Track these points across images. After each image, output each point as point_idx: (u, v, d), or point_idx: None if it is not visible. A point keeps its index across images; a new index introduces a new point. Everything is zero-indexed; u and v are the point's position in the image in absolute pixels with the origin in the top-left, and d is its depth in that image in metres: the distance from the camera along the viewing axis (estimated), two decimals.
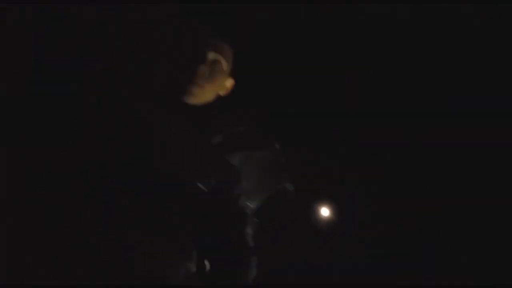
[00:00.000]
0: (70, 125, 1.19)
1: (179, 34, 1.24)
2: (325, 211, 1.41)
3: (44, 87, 1.32)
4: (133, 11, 1.41)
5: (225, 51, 1.26)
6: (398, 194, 1.93)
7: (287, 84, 1.88)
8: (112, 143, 1.15)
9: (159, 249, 1.09)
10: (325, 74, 1.91)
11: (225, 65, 1.25)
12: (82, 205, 1.11)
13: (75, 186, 1.13)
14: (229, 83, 1.31)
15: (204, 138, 1.20)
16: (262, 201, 1.21)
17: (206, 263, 1.12)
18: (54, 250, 1.10)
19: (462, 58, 1.94)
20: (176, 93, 1.20)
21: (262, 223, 1.17)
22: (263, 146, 1.25)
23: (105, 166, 1.13)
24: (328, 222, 1.49)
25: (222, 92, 1.30)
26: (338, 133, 1.92)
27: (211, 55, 1.22)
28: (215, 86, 1.25)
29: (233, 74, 1.31)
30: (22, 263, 1.15)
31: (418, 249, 1.89)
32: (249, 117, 1.29)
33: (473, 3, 1.87)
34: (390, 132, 1.96)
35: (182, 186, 1.11)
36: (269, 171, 1.25)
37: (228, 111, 1.25)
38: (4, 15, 1.59)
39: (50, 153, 1.15)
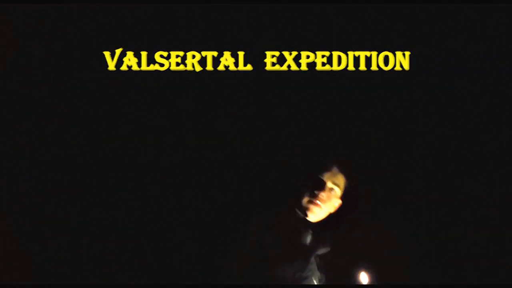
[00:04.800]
0: None
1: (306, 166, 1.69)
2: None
3: None
4: None
5: (340, 180, 1.67)
6: None
7: None
8: None
9: None
10: None
11: (339, 191, 1.66)
12: None
13: None
14: (338, 203, 1.70)
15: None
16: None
17: None
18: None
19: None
20: (301, 211, 1.65)
21: None
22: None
23: None
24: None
25: (331, 211, 1.69)
26: None
27: (329, 184, 1.64)
28: (329, 207, 1.66)
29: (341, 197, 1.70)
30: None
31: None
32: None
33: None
34: None
35: None
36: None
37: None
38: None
39: None
